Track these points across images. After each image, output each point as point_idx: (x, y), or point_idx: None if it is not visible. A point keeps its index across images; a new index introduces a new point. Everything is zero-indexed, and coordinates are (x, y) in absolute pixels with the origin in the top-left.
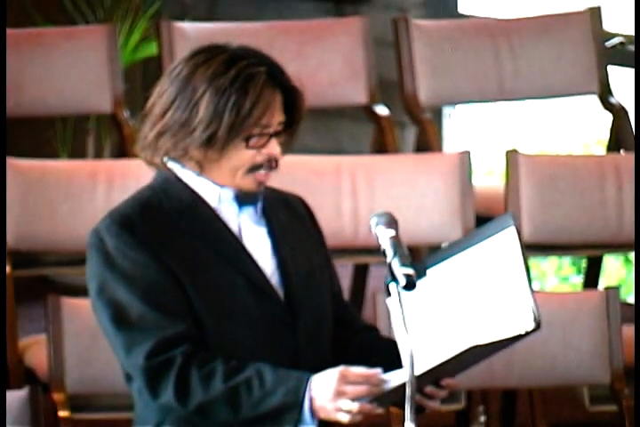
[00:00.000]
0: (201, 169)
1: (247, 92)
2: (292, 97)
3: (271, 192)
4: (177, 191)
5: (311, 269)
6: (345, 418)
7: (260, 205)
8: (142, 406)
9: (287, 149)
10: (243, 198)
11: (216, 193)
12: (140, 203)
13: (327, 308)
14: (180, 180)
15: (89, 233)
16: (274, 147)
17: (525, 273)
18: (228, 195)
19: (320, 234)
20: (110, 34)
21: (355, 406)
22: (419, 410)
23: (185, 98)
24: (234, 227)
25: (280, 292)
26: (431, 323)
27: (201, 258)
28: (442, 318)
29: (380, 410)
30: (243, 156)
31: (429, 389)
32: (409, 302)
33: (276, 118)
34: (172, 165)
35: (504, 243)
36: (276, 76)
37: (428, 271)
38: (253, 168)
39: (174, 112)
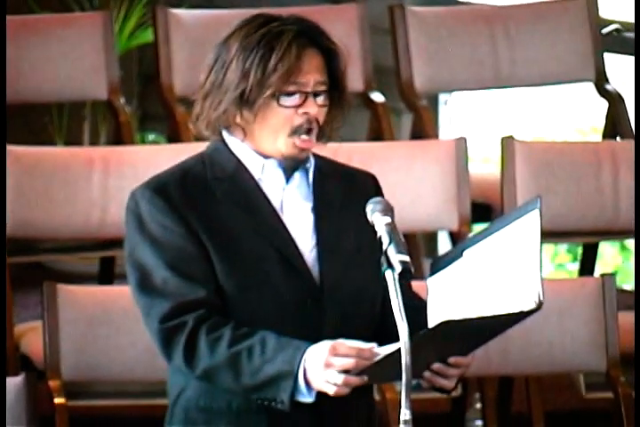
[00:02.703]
0: (244, 135)
1: (273, 47)
2: (331, 58)
3: (334, 167)
4: (222, 160)
5: (358, 247)
6: (331, 390)
7: (311, 178)
8: (171, 371)
9: (341, 120)
10: (287, 166)
11: (260, 164)
12: (181, 170)
13: (369, 287)
14: (228, 149)
15: (128, 196)
16: (311, 106)
17: (539, 255)
18: (272, 165)
19: None
20: (106, 21)
21: (340, 379)
22: (441, 391)
23: (221, 61)
24: (276, 200)
25: (315, 268)
26: (456, 302)
27: (233, 228)
28: (464, 298)
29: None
30: (279, 116)
31: (437, 366)
32: (446, 283)
33: (313, 77)
34: (223, 133)
35: (527, 225)
36: (311, 36)
37: (464, 253)
38: (294, 131)
39: (212, 76)
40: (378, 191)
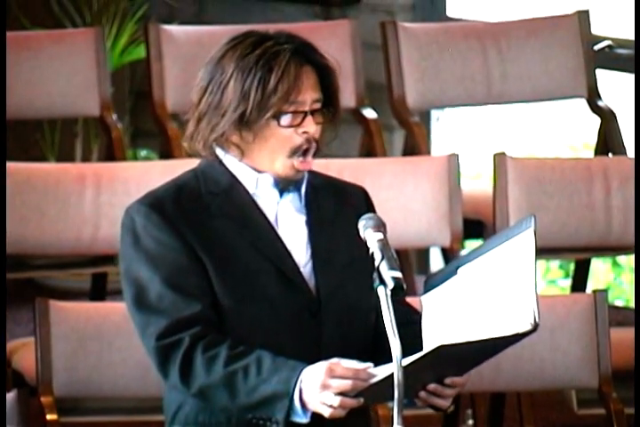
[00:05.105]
0: (242, 154)
1: (272, 68)
2: (324, 75)
3: (324, 180)
4: (216, 175)
5: (352, 260)
6: (326, 412)
7: (303, 192)
8: (168, 388)
9: (333, 135)
10: (282, 185)
11: (254, 178)
12: (176, 185)
13: (364, 299)
14: (222, 164)
15: (123, 212)
16: (310, 125)
17: (534, 275)
18: (266, 180)
19: None
20: (98, 37)
21: (336, 401)
22: (435, 408)
23: (216, 82)
24: (271, 213)
25: (312, 281)
26: (451, 322)
27: (229, 242)
28: (458, 317)
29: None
30: (279, 136)
31: (432, 386)
32: (439, 300)
33: (310, 95)
34: (218, 151)
35: (522, 244)
36: (305, 54)
37: (458, 270)
38: (294, 151)
39: (207, 97)
40: (369, 204)
